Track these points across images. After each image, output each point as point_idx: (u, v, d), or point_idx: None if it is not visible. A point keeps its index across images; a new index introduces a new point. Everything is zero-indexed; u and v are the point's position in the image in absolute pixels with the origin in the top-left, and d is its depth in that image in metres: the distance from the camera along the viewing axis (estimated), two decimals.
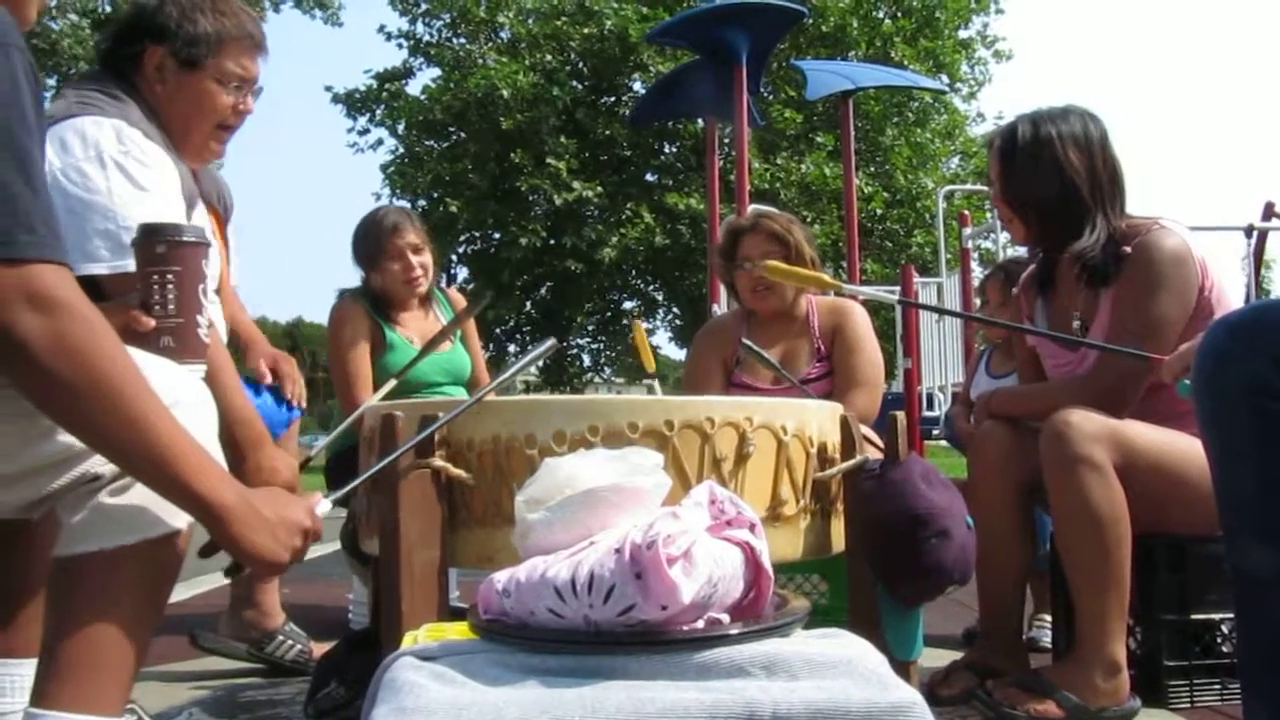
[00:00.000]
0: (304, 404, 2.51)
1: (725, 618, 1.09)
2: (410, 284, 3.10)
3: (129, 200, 1.79)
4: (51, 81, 14.21)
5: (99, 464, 1.31)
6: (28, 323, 1.14)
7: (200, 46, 2.00)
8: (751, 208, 4.53)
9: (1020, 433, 2.30)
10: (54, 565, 1.34)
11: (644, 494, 1.15)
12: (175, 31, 1.99)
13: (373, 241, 3.10)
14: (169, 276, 1.54)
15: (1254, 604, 1.31)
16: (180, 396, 1.34)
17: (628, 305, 20.14)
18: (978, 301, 6.54)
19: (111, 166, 1.80)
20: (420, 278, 3.12)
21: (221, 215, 2.31)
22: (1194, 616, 2.27)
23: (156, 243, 1.55)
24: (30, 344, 1.14)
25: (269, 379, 2.43)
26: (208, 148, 2.10)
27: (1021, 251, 3.18)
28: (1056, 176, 2.31)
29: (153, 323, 1.53)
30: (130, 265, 1.68)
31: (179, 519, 1.35)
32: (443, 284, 3.30)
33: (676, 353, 21.65)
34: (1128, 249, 2.27)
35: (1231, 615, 2.19)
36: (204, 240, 1.60)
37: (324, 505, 1.40)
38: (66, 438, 1.27)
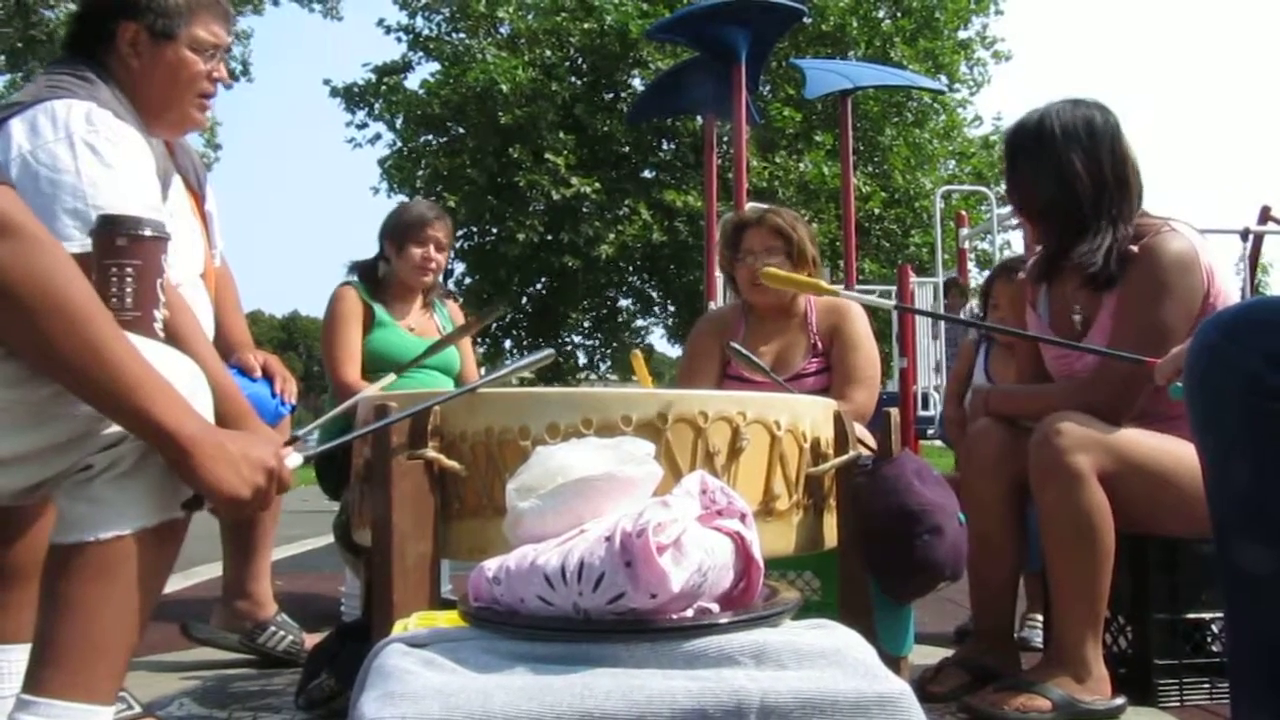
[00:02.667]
0: (294, 400, 2.51)
1: (715, 607, 1.09)
2: (421, 271, 3.22)
3: (98, 180, 1.79)
4: None
5: (92, 453, 1.31)
6: None
7: (173, 17, 2.02)
8: (750, 205, 4.53)
9: (1014, 432, 2.31)
10: (49, 552, 1.34)
11: (635, 483, 1.15)
12: (147, 5, 2.01)
13: (409, 224, 3.22)
14: (128, 270, 1.53)
15: (1244, 602, 1.31)
16: (175, 378, 1.33)
17: (624, 302, 20.12)
18: (973, 304, 6.55)
19: (81, 147, 1.80)
20: (432, 269, 3.24)
21: (198, 192, 2.31)
22: (1185, 616, 2.28)
23: (116, 235, 1.54)
24: None
25: (259, 372, 2.43)
26: (190, 117, 2.11)
27: (1018, 249, 3.17)
28: (1056, 179, 2.29)
29: (109, 315, 1.53)
30: None
31: (176, 509, 1.35)
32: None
33: (672, 351, 21.65)
34: (1134, 248, 2.26)
35: (1222, 615, 2.20)
36: (164, 234, 1.59)
37: (294, 457, 1.39)
38: (60, 425, 1.27)
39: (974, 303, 6.45)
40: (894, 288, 7.95)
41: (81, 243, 1.73)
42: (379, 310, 3.20)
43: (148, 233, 1.56)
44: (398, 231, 3.23)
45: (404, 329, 3.22)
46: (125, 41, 2.00)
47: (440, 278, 3.34)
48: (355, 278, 3.27)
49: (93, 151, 1.81)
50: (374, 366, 3.09)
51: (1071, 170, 2.27)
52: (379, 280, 3.26)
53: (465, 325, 3.11)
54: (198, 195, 2.31)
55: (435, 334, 3.28)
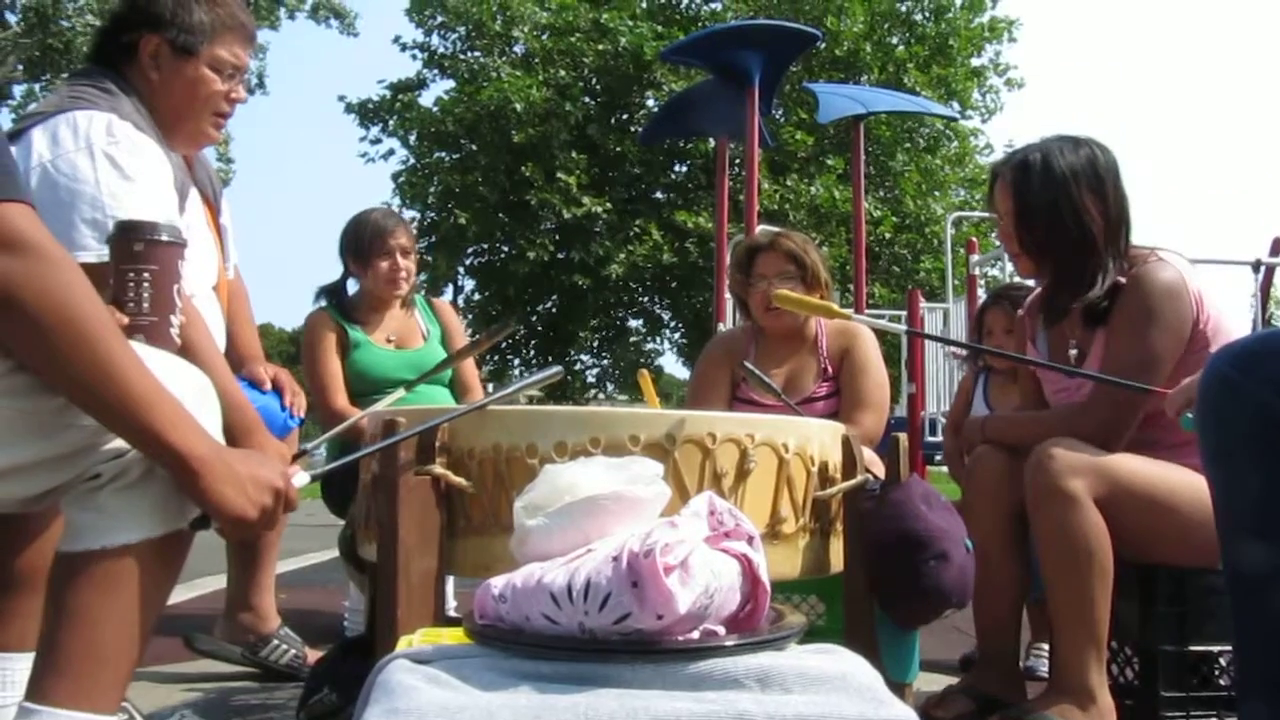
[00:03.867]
0: (303, 414, 2.52)
1: (721, 629, 1.09)
2: (393, 284, 3.18)
3: (117, 190, 1.82)
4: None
5: (100, 462, 1.31)
6: None
7: (195, 34, 2.05)
8: (762, 228, 4.53)
9: (1014, 458, 2.30)
10: (56, 561, 1.34)
11: (643, 503, 1.15)
12: (171, 20, 2.04)
13: (366, 240, 3.17)
14: (145, 275, 1.54)
15: (1253, 630, 1.31)
16: (184, 390, 1.34)
17: (633, 323, 20.15)
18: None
19: (101, 157, 1.83)
20: (404, 279, 3.20)
21: (214, 204, 2.33)
22: (1192, 648, 2.26)
23: (134, 241, 1.56)
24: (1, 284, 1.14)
25: (269, 385, 2.44)
26: (204, 133, 2.14)
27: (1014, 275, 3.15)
28: (1074, 225, 2.28)
29: (126, 320, 1.53)
30: None
31: (182, 519, 1.35)
32: (448, 295, 3.38)
33: (682, 372, 21.66)
34: (1122, 279, 2.27)
35: (1230, 648, 2.18)
36: (180, 240, 1.60)
37: (301, 477, 1.39)
38: (68, 435, 1.27)
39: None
40: (904, 313, 7.94)
41: (98, 252, 1.75)
42: (353, 332, 3.17)
43: (164, 238, 1.57)
44: (359, 248, 3.17)
45: (381, 344, 3.20)
46: (147, 54, 2.03)
47: (444, 284, 3.33)
48: (325, 302, 3.24)
49: (112, 163, 1.83)
50: (358, 388, 3.10)
51: (1086, 212, 2.28)
52: (349, 298, 3.23)
53: (474, 343, 3.10)
54: (213, 208, 2.33)
55: (418, 335, 3.27)
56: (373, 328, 3.22)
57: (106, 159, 1.83)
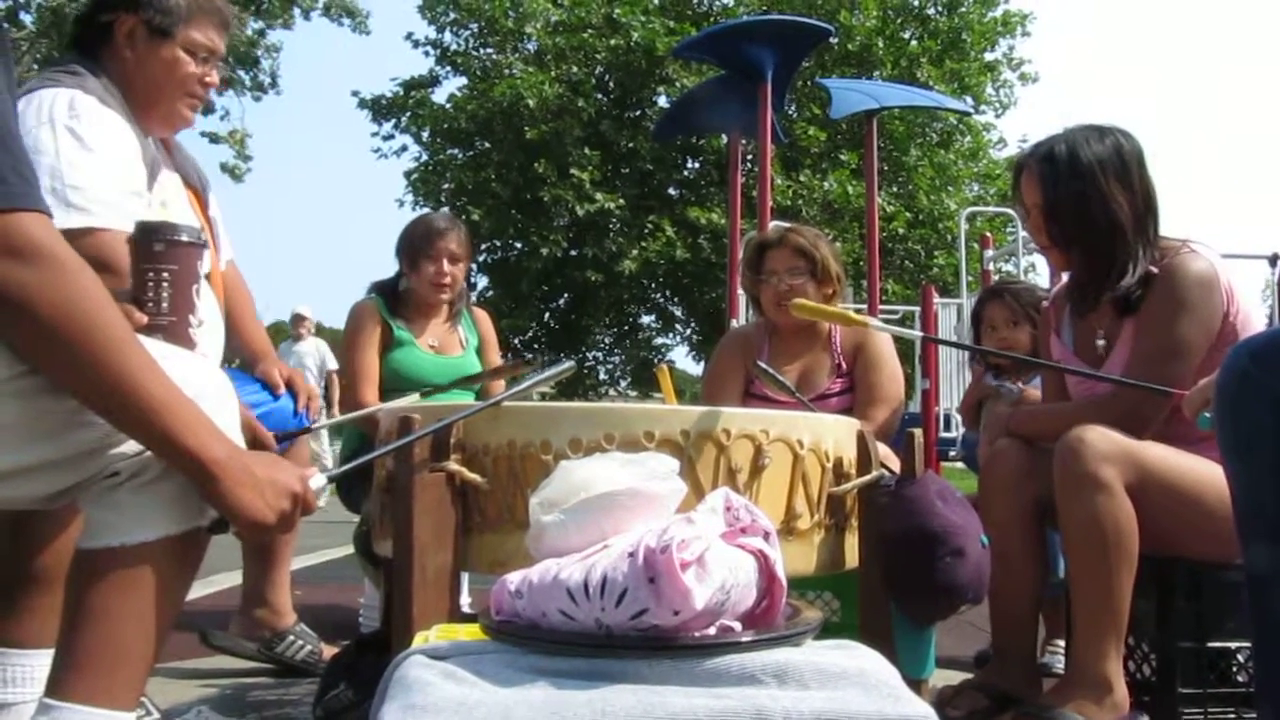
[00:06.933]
0: (317, 416, 2.53)
1: (737, 625, 1.09)
2: (437, 288, 3.15)
3: (75, 160, 1.88)
4: None
5: (117, 460, 1.31)
6: (10, 273, 1.14)
7: (171, 16, 2.11)
8: (774, 224, 4.53)
9: (1034, 452, 2.29)
10: (75, 558, 1.34)
11: (659, 499, 1.15)
12: (148, 1, 2.09)
13: (417, 240, 3.16)
14: (164, 275, 1.55)
15: (1273, 628, 1.31)
16: (204, 389, 1.34)
17: (646, 319, 20.13)
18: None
19: (62, 130, 1.90)
20: (448, 285, 3.16)
21: (200, 192, 2.34)
22: (1210, 644, 2.25)
23: (154, 241, 1.57)
24: (14, 294, 1.15)
25: (283, 389, 2.45)
26: (177, 114, 2.19)
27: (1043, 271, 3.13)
28: (1103, 215, 2.27)
29: (145, 319, 1.54)
30: (73, 222, 1.76)
31: (201, 516, 1.35)
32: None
33: (694, 368, 21.63)
34: (1154, 269, 2.26)
35: (1248, 644, 2.17)
36: (200, 242, 1.61)
37: (319, 479, 1.40)
38: (85, 432, 1.28)
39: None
40: (917, 308, 7.93)
41: (59, 221, 1.78)
42: (397, 328, 3.15)
43: (184, 238, 1.58)
44: (409, 248, 3.17)
45: (424, 347, 3.18)
46: (123, 33, 2.10)
47: (463, 289, 3.29)
48: (374, 295, 3.22)
49: (73, 134, 1.91)
50: (391, 386, 3.08)
51: (1115, 201, 2.27)
52: (400, 297, 3.22)
53: (496, 369, 3.08)
54: (201, 198, 2.34)
55: (459, 348, 3.27)
56: (418, 330, 3.20)
57: (67, 131, 1.92)
